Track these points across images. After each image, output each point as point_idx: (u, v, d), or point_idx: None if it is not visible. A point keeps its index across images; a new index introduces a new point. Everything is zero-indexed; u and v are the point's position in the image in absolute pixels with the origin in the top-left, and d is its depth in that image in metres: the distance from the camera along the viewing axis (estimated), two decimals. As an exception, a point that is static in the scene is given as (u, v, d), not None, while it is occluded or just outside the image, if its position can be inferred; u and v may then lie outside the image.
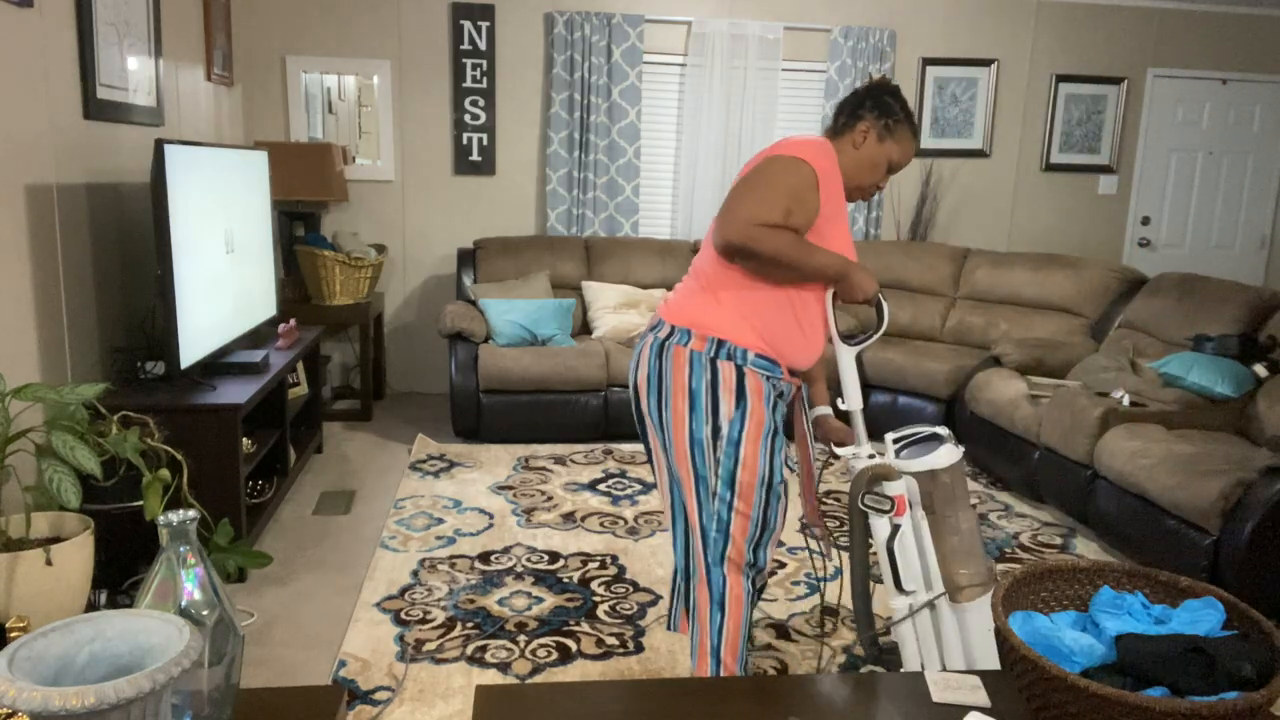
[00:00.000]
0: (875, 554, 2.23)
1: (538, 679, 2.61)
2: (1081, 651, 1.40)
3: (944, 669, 2.18)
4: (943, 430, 2.26)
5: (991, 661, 2.17)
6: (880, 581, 2.37)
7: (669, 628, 2.51)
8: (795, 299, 2.10)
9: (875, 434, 3.33)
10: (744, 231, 1.96)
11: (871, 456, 2.22)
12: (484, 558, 3.38)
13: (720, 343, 2.07)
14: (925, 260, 5.47)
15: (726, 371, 2.07)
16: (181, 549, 1.16)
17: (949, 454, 2.17)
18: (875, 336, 2.24)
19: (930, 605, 2.18)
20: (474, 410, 4.62)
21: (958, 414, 4.58)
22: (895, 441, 2.25)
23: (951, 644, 2.19)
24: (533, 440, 4.72)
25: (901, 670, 2.03)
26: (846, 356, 2.22)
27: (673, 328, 2.11)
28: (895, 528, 2.15)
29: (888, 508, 2.15)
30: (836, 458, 2.33)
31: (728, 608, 2.15)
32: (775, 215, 1.97)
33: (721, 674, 2.17)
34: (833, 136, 2.22)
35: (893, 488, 2.16)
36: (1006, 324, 5.08)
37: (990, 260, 5.32)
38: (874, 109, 2.18)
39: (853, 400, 2.22)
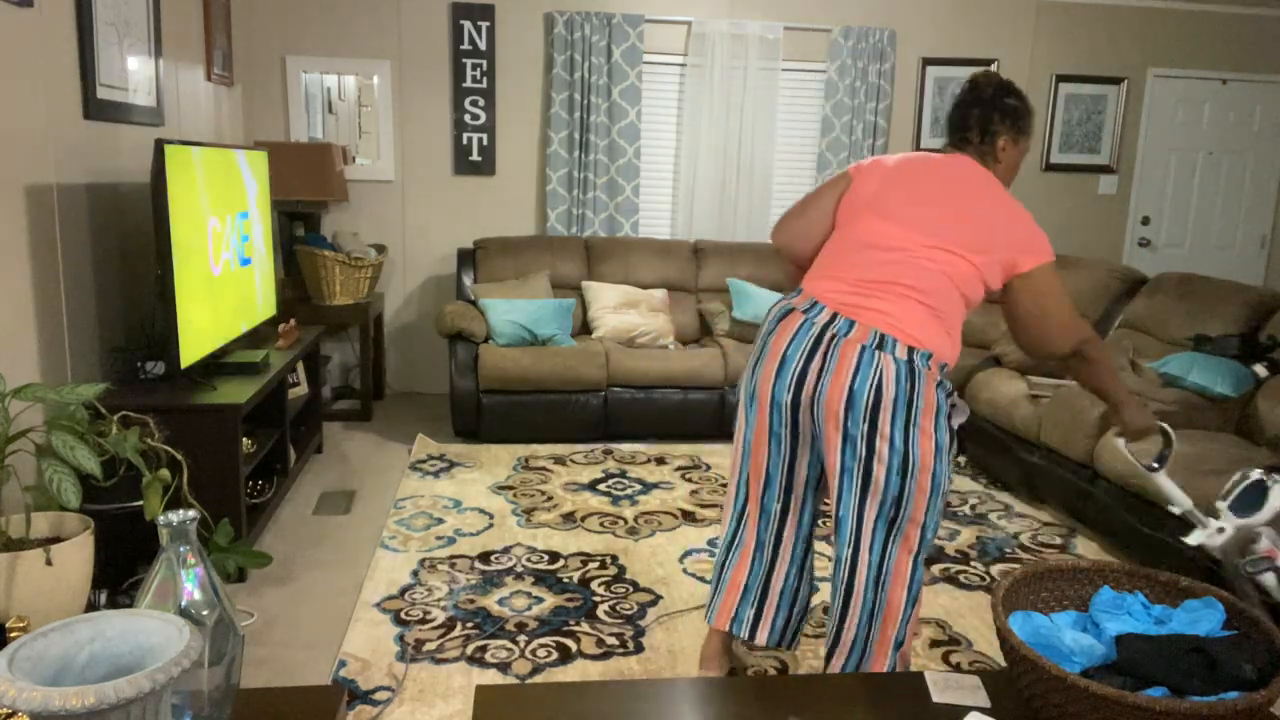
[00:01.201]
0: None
1: (538, 679, 2.61)
2: (1081, 651, 1.40)
3: None
4: (1255, 473, 2.32)
5: None
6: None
7: (753, 636, 2.46)
8: (956, 323, 2.24)
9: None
10: (1084, 337, 2.23)
11: (1221, 530, 2.27)
12: (484, 558, 3.38)
13: (945, 366, 2.20)
14: (925, 260, 5.46)
15: (946, 391, 2.22)
16: (181, 549, 1.16)
17: (1278, 497, 2.27)
18: (1170, 458, 2.41)
19: None
20: (474, 410, 4.62)
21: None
22: (1230, 507, 2.32)
23: None
24: (533, 440, 4.72)
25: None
26: (1161, 478, 2.41)
27: (911, 349, 2.13)
28: (1277, 572, 2.26)
29: (1267, 566, 2.24)
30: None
31: (920, 599, 2.28)
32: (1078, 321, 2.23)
33: (899, 663, 2.26)
34: (974, 155, 2.30)
35: (1261, 547, 2.24)
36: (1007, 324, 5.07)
37: (990, 260, 5.31)
38: (1004, 119, 2.24)
39: (1184, 503, 2.36)
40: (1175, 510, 2.39)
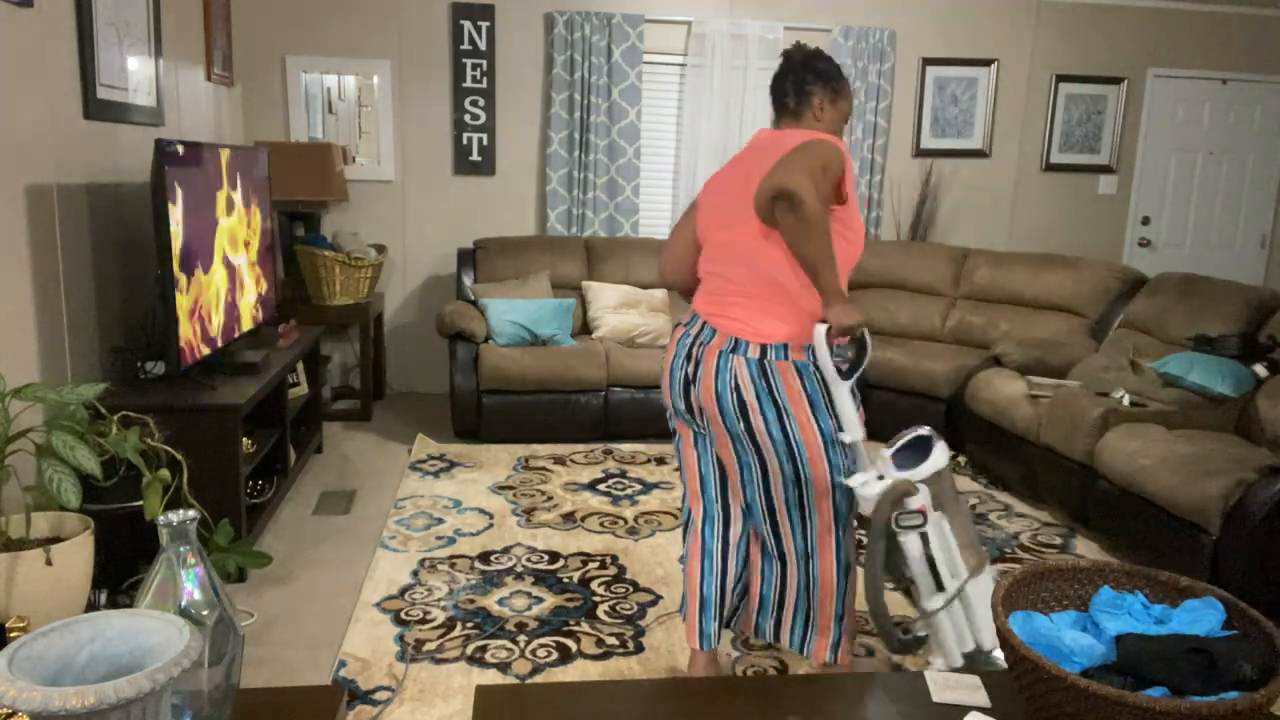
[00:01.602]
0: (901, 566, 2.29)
1: (538, 679, 2.61)
2: (1081, 651, 1.40)
3: (974, 646, 2.29)
4: (924, 429, 2.30)
5: (990, 630, 2.30)
6: (901, 587, 2.43)
7: (713, 646, 2.49)
8: (811, 301, 2.23)
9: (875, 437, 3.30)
10: (804, 186, 2.02)
11: (880, 478, 2.23)
12: (484, 558, 3.38)
13: (809, 348, 2.23)
14: (925, 260, 5.47)
15: (808, 366, 2.24)
16: (181, 549, 1.16)
17: (943, 451, 2.24)
18: (861, 369, 2.28)
19: (960, 591, 2.25)
20: (474, 410, 4.62)
21: (958, 414, 4.58)
22: (893, 456, 2.27)
23: (979, 613, 2.29)
24: (533, 440, 4.72)
25: (930, 655, 2.22)
26: (843, 390, 2.26)
27: (764, 346, 2.21)
28: (925, 536, 2.21)
29: (919, 522, 2.19)
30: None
31: (853, 567, 2.41)
32: (821, 189, 2.10)
33: (845, 632, 2.37)
34: (792, 121, 2.35)
35: (915, 501, 2.19)
36: (1006, 324, 5.08)
37: (990, 260, 5.32)
38: (816, 79, 2.33)
39: (855, 431, 2.27)
40: (844, 437, 2.29)
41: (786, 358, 2.23)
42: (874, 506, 2.18)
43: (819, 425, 2.23)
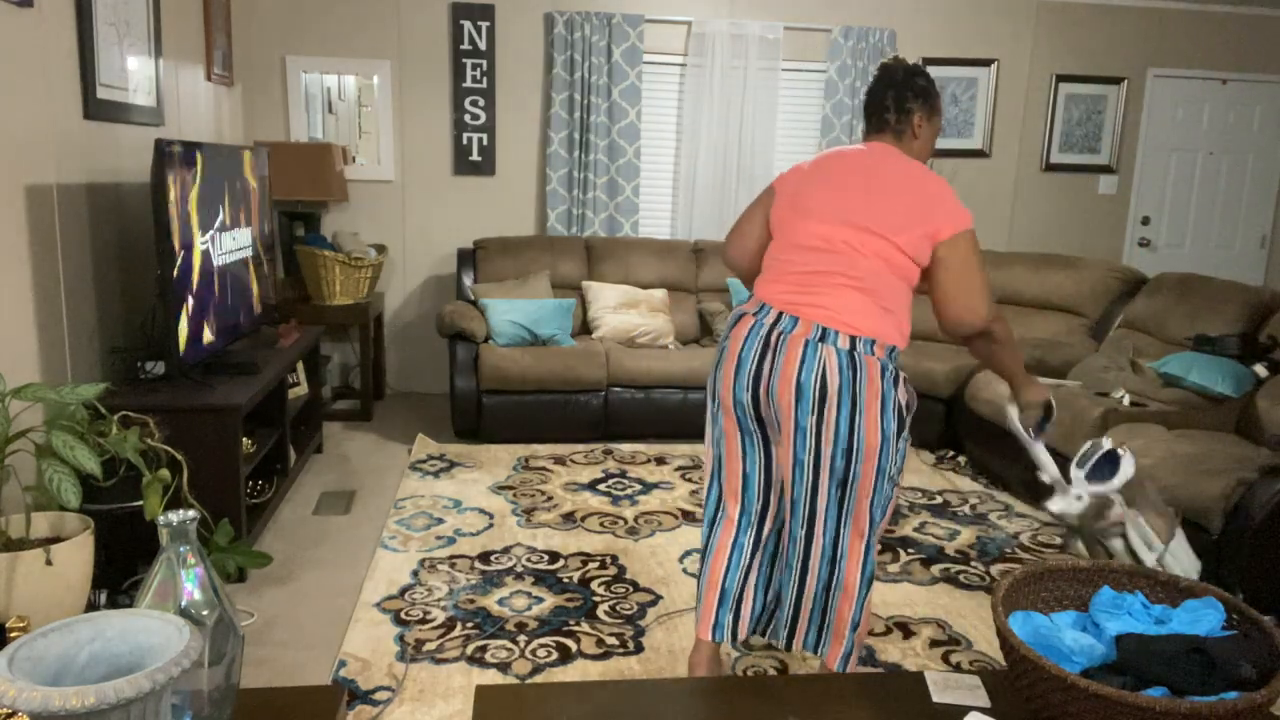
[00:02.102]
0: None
1: (538, 679, 2.61)
2: (1081, 651, 1.40)
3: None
4: (1106, 441, 2.53)
5: (1193, 563, 2.68)
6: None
7: (734, 639, 2.50)
8: (897, 306, 2.34)
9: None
10: (993, 316, 2.35)
11: (1079, 498, 2.47)
12: (484, 558, 3.38)
13: (892, 349, 2.29)
14: (925, 260, 5.46)
15: (895, 372, 2.31)
16: (181, 549, 1.16)
17: (1130, 464, 2.49)
18: (1049, 429, 2.63)
19: (1160, 559, 2.55)
20: (474, 410, 4.62)
21: (958, 414, 4.58)
22: (1087, 475, 2.53)
23: (1174, 567, 2.58)
24: (533, 440, 4.72)
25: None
26: (1037, 447, 2.64)
27: (853, 338, 2.24)
28: (1125, 537, 2.53)
29: (1120, 530, 2.50)
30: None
31: (874, 579, 2.42)
32: (990, 298, 2.33)
33: (857, 641, 2.38)
34: (892, 138, 2.42)
35: (1114, 513, 2.48)
36: (1006, 324, 5.07)
37: (990, 260, 5.32)
38: (916, 97, 2.37)
39: (1052, 472, 2.56)
40: (1044, 479, 2.58)
41: (873, 353, 2.25)
42: (1080, 523, 2.49)
43: (883, 425, 2.25)
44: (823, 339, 2.23)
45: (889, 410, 2.26)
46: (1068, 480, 2.57)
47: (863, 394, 2.23)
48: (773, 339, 2.27)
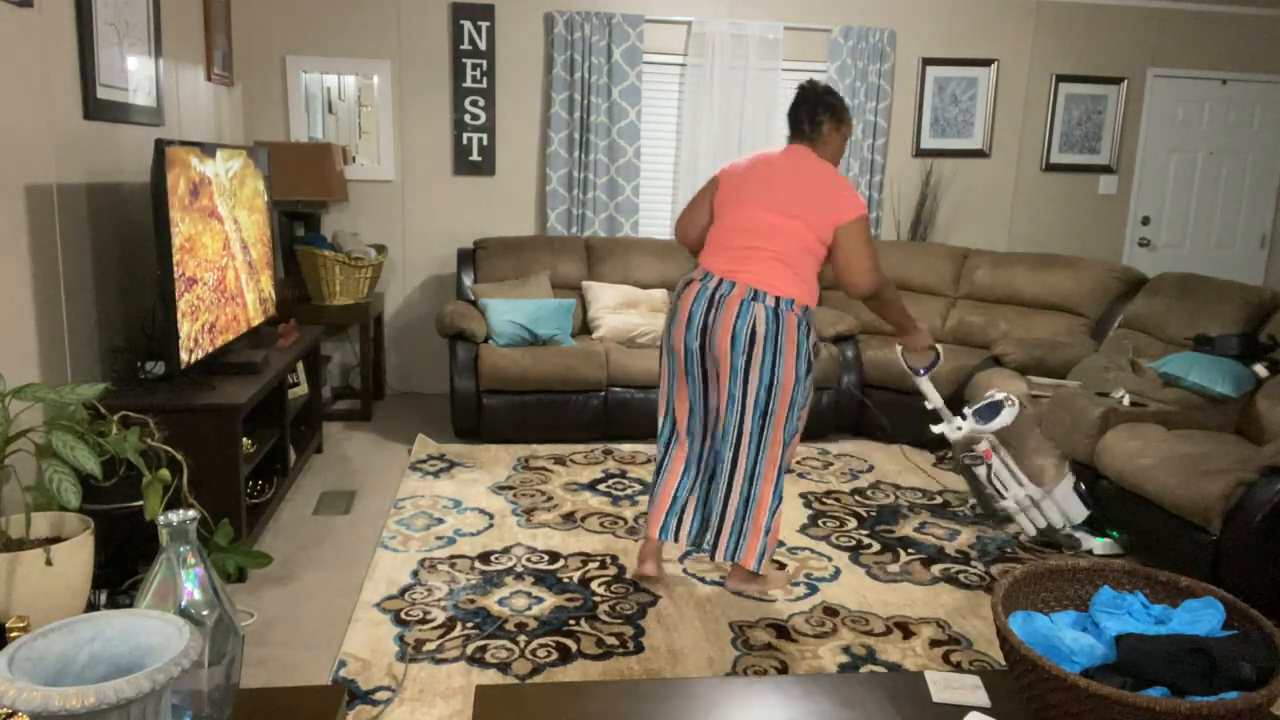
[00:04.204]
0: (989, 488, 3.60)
1: (538, 679, 2.61)
2: (1081, 651, 1.40)
3: (1045, 524, 3.52)
4: (999, 394, 3.44)
5: (1078, 511, 3.49)
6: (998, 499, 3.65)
7: (676, 539, 3.15)
8: (810, 275, 2.97)
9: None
10: (880, 283, 2.97)
11: (959, 429, 3.45)
12: (484, 558, 3.38)
13: (806, 308, 2.94)
14: (925, 260, 5.47)
15: (807, 326, 2.94)
16: (181, 549, 1.16)
17: (1009, 414, 3.36)
18: (934, 368, 3.54)
19: (1034, 500, 3.46)
20: (474, 410, 4.62)
21: (957, 414, 4.57)
22: (974, 414, 3.46)
23: (1051, 512, 3.50)
24: (533, 440, 4.72)
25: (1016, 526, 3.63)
26: (923, 382, 3.52)
27: (778, 298, 2.88)
28: (989, 467, 3.46)
29: (981, 460, 3.44)
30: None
31: (782, 497, 3.19)
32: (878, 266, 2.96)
33: (769, 543, 3.02)
34: (808, 143, 3.01)
35: (981, 447, 3.44)
36: (1006, 324, 5.08)
37: (990, 260, 5.32)
38: (826, 111, 2.99)
39: (937, 401, 3.55)
40: (929, 405, 3.56)
41: (793, 309, 2.89)
42: (955, 449, 3.54)
43: (797, 367, 2.91)
44: (754, 299, 2.88)
45: (802, 355, 2.92)
46: (959, 415, 3.49)
47: (783, 342, 2.88)
48: (715, 299, 2.92)
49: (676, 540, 3.14)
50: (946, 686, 1.50)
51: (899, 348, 3.37)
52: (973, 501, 3.94)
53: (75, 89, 3.12)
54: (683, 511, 3.13)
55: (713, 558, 3.07)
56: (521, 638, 2.83)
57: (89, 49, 3.14)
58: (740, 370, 2.89)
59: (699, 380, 3.02)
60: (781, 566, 3.37)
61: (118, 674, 1.00)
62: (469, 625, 2.89)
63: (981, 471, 3.40)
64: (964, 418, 3.54)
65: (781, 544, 3.58)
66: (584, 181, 5.48)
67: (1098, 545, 3.52)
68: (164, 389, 3.16)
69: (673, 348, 3.03)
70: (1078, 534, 3.54)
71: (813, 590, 3.21)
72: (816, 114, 2.98)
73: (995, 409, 3.35)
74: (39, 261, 2.86)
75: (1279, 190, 6.45)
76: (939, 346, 3.31)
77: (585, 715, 1.40)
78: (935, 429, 3.45)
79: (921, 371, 3.44)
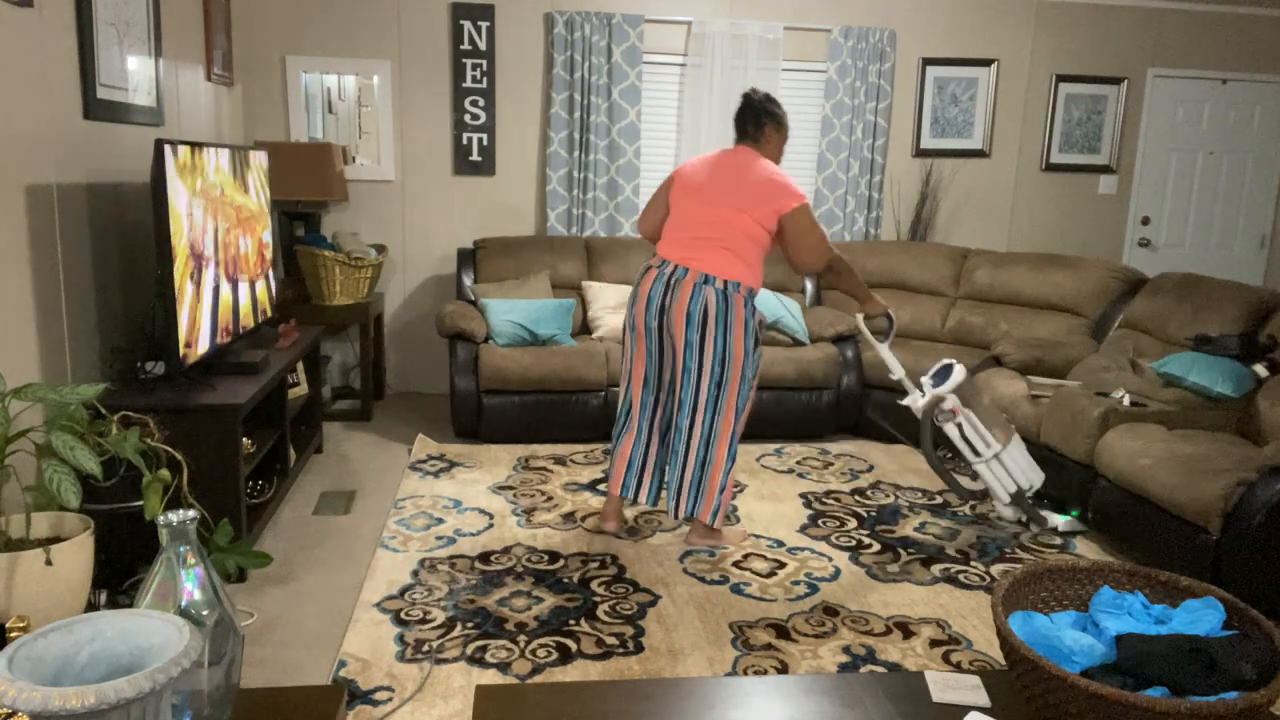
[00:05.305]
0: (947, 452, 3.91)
1: (538, 679, 2.61)
2: (1081, 651, 1.40)
3: (1015, 488, 3.65)
4: (948, 360, 3.63)
5: (1035, 471, 3.67)
6: (954, 461, 4.01)
7: (636, 498, 3.55)
8: (755, 261, 3.34)
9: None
10: (830, 256, 3.37)
11: (924, 394, 3.62)
12: (484, 558, 3.38)
13: (751, 290, 3.31)
14: (925, 260, 5.47)
15: (752, 306, 3.32)
16: (181, 549, 1.16)
17: (959, 372, 3.54)
18: (892, 335, 3.77)
19: (996, 456, 3.60)
20: (474, 410, 4.62)
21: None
22: (930, 378, 3.63)
23: (1014, 469, 3.63)
24: (533, 440, 4.72)
25: (988, 499, 3.80)
26: (883, 349, 3.71)
27: (726, 281, 3.26)
28: (959, 425, 3.59)
29: (953, 417, 3.58)
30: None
31: (736, 458, 3.65)
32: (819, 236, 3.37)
33: (724, 500, 3.40)
34: (752, 144, 3.42)
35: (948, 404, 3.57)
36: (1006, 324, 5.08)
37: (990, 260, 5.32)
38: (767, 116, 3.40)
39: (899, 371, 3.74)
40: (893, 376, 3.77)
41: (740, 292, 3.28)
42: (922, 412, 3.59)
43: (745, 342, 3.29)
44: (705, 282, 3.27)
45: (749, 331, 3.30)
46: (917, 386, 3.79)
47: (732, 320, 3.26)
48: (671, 283, 3.31)
49: (637, 500, 3.54)
50: (946, 686, 1.50)
51: (859, 315, 3.67)
52: (946, 487, 4.12)
53: (75, 89, 3.12)
54: (641, 473, 3.52)
55: (675, 516, 3.43)
56: (521, 638, 2.83)
57: (89, 49, 3.14)
58: (695, 345, 3.27)
59: (655, 355, 3.42)
60: (737, 523, 3.75)
61: (118, 674, 1.00)
62: (469, 625, 2.89)
63: (952, 431, 3.56)
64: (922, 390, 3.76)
65: (781, 543, 3.58)
66: (584, 181, 5.48)
67: (1061, 522, 3.74)
68: (164, 389, 3.16)
69: (634, 326, 3.42)
70: (1044, 512, 3.76)
71: (813, 590, 3.21)
72: (760, 119, 3.40)
73: (947, 370, 3.57)
74: (39, 261, 2.86)
75: (1279, 190, 6.45)
76: (891, 312, 3.66)
77: (585, 715, 1.40)
78: (901, 402, 3.71)
79: (883, 339, 3.69)
